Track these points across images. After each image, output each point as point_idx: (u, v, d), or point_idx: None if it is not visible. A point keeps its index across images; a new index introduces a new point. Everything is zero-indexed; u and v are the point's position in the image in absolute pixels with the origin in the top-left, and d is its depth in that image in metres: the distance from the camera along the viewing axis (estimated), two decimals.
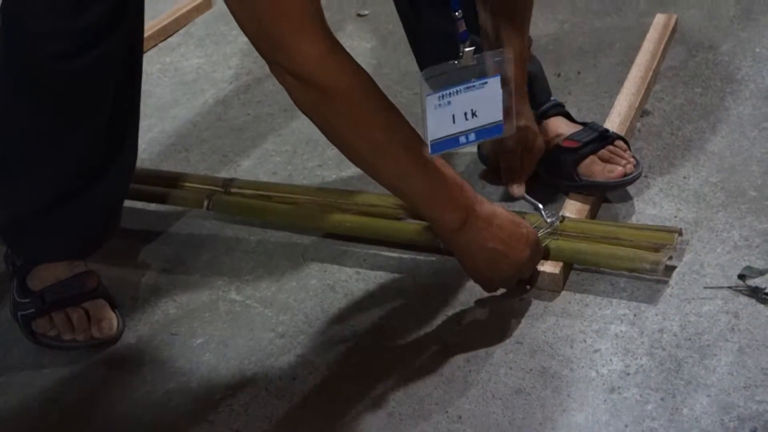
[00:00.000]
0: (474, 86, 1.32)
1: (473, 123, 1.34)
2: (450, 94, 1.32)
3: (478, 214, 1.33)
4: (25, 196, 1.45)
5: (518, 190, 1.59)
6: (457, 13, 1.33)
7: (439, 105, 1.31)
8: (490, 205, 1.36)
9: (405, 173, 1.31)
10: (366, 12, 2.44)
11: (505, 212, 1.38)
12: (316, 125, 1.29)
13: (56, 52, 1.33)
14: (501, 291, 1.45)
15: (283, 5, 1.19)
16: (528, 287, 1.47)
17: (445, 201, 1.33)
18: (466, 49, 1.32)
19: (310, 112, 1.27)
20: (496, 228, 1.34)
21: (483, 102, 1.34)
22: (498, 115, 1.35)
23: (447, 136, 1.33)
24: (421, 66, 1.65)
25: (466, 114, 1.33)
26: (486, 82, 1.33)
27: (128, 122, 1.49)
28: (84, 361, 1.43)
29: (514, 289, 1.45)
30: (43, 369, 1.42)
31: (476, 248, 1.35)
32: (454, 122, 1.33)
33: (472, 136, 1.35)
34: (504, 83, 1.34)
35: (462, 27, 1.33)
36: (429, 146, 1.32)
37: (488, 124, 1.35)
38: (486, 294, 1.45)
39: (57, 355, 1.44)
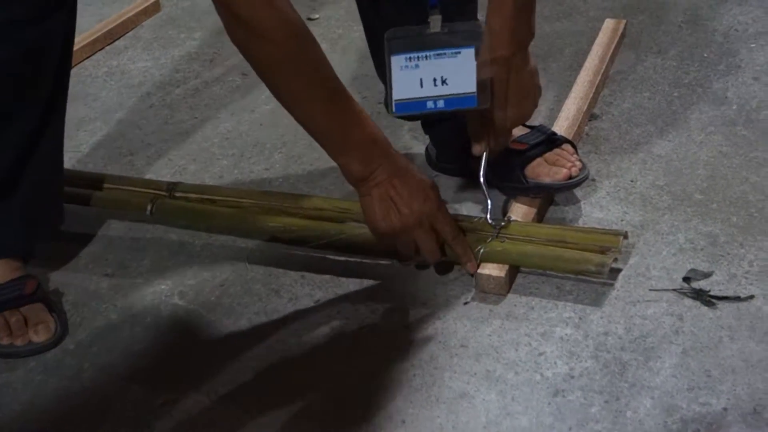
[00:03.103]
0: (445, 54, 1.33)
1: (443, 90, 1.35)
2: (418, 57, 1.34)
3: (385, 168, 1.37)
4: None
5: (478, 149, 1.51)
6: None
7: (406, 66, 1.34)
8: (407, 165, 1.40)
9: (316, 119, 1.35)
10: (317, 16, 2.43)
11: (418, 178, 1.41)
12: (242, 55, 1.33)
13: (8, 18, 1.35)
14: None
15: None
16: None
17: (353, 151, 1.37)
18: (434, 17, 1.33)
19: (238, 46, 1.32)
20: (397, 185, 1.38)
21: (454, 71, 1.35)
22: (471, 86, 1.36)
23: (414, 98, 1.36)
24: (376, 61, 1.66)
25: (435, 80, 1.35)
26: (459, 52, 1.35)
27: (59, 112, 1.49)
28: (21, 368, 1.40)
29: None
30: None
31: (373, 199, 1.39)
32: (421, 86, 1.35)
33: (441, 103, 1.37)
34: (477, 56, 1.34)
35: None
36: (393, 104, 1.35)
37: (460, 94, 1.37)
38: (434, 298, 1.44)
39: None
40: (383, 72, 1.64)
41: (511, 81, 1.41)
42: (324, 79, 1.34)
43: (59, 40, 1.43)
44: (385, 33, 1.39)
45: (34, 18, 1.37)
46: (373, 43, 1.68)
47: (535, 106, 1.47)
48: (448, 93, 1.37)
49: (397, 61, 1.34)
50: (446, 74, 1.36)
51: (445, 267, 1.51)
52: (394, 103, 1.37)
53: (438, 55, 1.34)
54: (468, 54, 1.35)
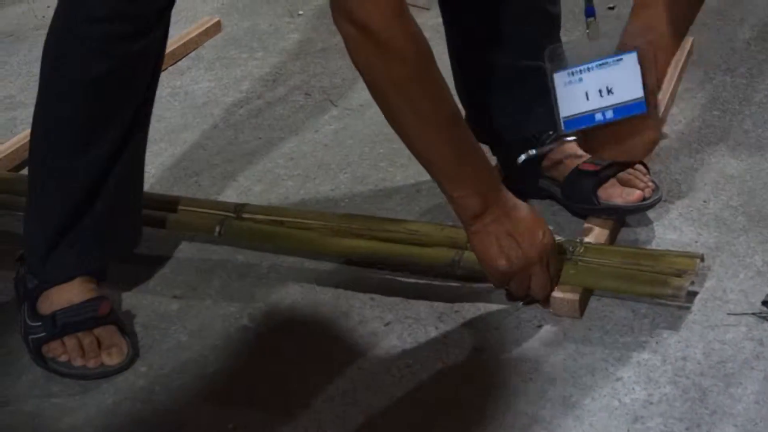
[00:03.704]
0: (608, 63, 1.31)
1: (609, 100, 1.33)
2: (580, 71, 1.32)
3: (499, 202, 1.34)
4: (54, 203, 1.45)
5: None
6: None
7: (569, 82, 1.32)
8: (515, 199, 1.37)
9: (438, 147, 1.31)
10: None
11: (529, 211, 1.38)
12: (364, 79, 1.29)
13: (117, 33, 1.37)
14: (517, 306, 1.44)
15: None
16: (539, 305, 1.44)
17: (470, 183, 1.33)
18: (593, 26, 1.32)
19: (363, 65, 1.27)
20: (513, 220, 1.35)
21: (619, 79, 1.32)
22: (638, 92, 1.33)
23: (581, 113, 1.33)
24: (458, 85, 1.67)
25: (600, 91, 1.33)
26: (621, 59, 1.32)
27: (143, 129, 1.50)
28: (93, 390, 1.40)
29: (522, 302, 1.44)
30: (52, 398, 1.39)
31: (490, 236, 1.35)
32: (587, 99, 1.33)
33: (609, 114, 1.34)
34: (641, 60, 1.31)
35: (589, 1, 1.34)
36: (562, 123, 1.33)
37: (627, 101, 1.33)
38: (503, 320, 1.42)
39: (66, 384, 1.41)
40: (468, 95, 1.64)
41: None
42: (446, 102, 1.31)
43: (153, 57, 1.44)
44: (545, 52, 1.37)
45: (136, 33, 1.38)
46: (457, 67, 1.67)
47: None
48: (615, 102, 1.33)
49: (560, 78, 1.31)
50: (611, 83, 1.32)
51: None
52: (562, 121, 1.34)
53: (601, 65, 1.31)
54: (630, 59, 1.31)
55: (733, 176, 1.71)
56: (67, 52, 1.41)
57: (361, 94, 2.12)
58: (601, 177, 1.57)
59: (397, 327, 1.46)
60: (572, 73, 1.32)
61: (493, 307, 1.47)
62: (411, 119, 1.30)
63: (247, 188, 1.85)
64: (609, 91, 1.32)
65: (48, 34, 1.43)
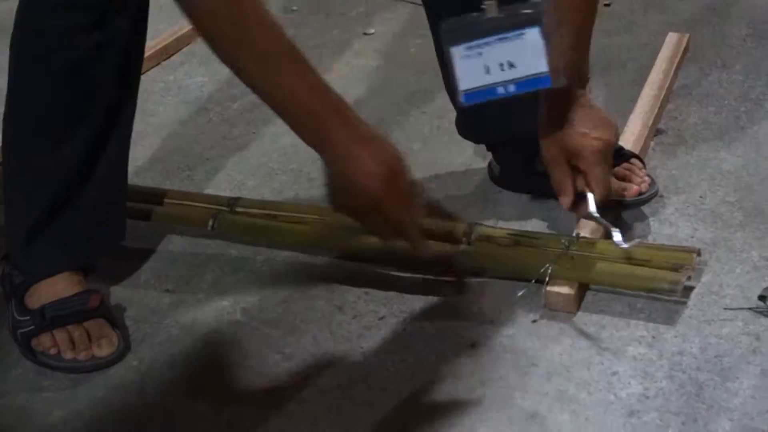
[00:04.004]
0: (508, 37, 1.29)
1: (512, 74, 1.31)
2: (479, 45, 1.29)
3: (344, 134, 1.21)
4: (32, 198, 1.44)
5: (567, 201, 1.42)
6: None
7: (468, 56, 1.29)
8: (367, 131, 1.23)
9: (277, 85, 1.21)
10: (372, 31, 2.41)
11: (378, 139, 1.24)
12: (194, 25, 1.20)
13: (80, 23, 1.35)
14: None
15: None
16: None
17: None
18: (489, 1, 1.29)
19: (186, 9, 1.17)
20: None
21: (521, 53, 1.30)
22: (541, 66, 1.31)
23: (482, 86, 1.31)
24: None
25: (501, 65, 1.30)
26: (522, 33, 1.29)
27: (124, 122, 1.48)
28: (84, 383, 1.38)
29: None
30: (42, 392, 1.37)
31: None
32: (488, 72, 1.31)
33: (512, 87, 1.32)
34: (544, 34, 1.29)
35: None
36: (461, 95, 1.30)
37: (530, 75, 1.31)
38: (498, 320, 1.41)
39: (56, 378, 1.39)
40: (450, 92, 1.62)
41: (584, 108, 1.38)
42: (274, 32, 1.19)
43: (123, 49, 1.41)
44: (440, 26, 1.34)
45: (99, 22, 1.37)
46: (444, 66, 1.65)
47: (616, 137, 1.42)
48: (518, 76, 1.31)
49: (456, 52, 1.29)
50: (513, 57, 1.30)
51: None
52: (462, 93, 1.32)
53: (501, 39, 1.29)
54: (533, 34, 1.29)
55: (730, 172, 1.70)
56: (32, 44, 1.40)
57: (356, 89, 2.11)
58: None
59: (392, 321, 1.45)
60: (470, 47, 1.30)
61: (489, 301, 1.46)
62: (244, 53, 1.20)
63: (240, 182, 1.83)
64: (511, 65, 1.30)
65: (14, 28, 1.42)
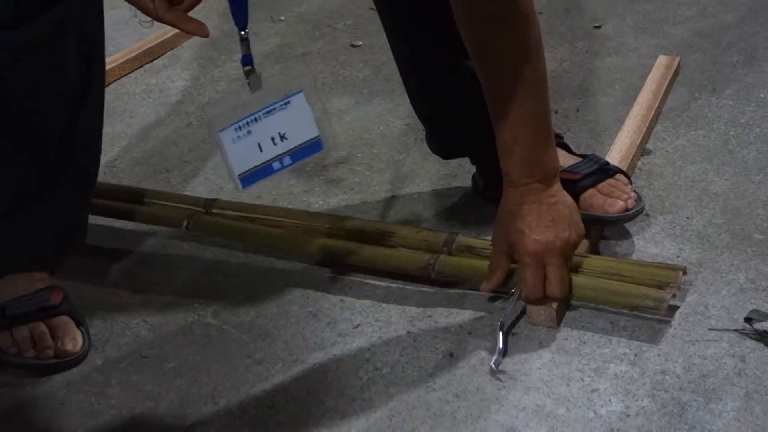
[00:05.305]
0: (275, 109, 1.25)
1: (285, 146, 1.26)
2: (248, 122, 1.25)
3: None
4: None
5: (485, 286, 1.40)
6: (243, 33, 1.26)
7: (239, 137, 1.25)
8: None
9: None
10: (360, 43, 2.38)
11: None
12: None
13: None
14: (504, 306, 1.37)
15: None
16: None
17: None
18: (253, 74, 1.25)
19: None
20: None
21: (290, 122, 1.26)
22: (312, 132, 1.27)
23: (256, 166, 1.26)
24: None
25: (273, 139, 1.26)
26: (288, 101, 1.25)
27: (91, 120, 1.42)
28: (46, 383, 1.33)
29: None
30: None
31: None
32: (261, 150, 1.26)
33: (287, 160, 1.28)
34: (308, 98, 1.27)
35: (246, 49, 1.26)
36: (238, 181, 1.26)
37: (303, 143, 1.27)
38: (477, 327, 1.37)
39: (17, 376, 1.34)
40: (428, 103, 1.59)
41: (539, 205, 1.35)
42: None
43: (75, 36, 1.34)
44: (206, 114, 1.31)
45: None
46: (411, 73, 1.61)
47: (573, 238, 1.36)
48: (291, 147, 1.27)
49: (227, 136, 1.25)
50: (283, 128, 1.26)
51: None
52: (238, 179, 1.27)
53: (268, 112, 1.25)
54: (298, 100, 1.26)
55: (717, 194, 1.67)
56: None
57: (340, 99, 2.08)
58: (580, 186, 1.52)
59: (367, 330, 1.40)
60: (239, 127, 1.25)
61: (468, 312, 1.42)
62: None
63: (218, 186, 1.79)
64: (282, 137, 1.26)
65: None
